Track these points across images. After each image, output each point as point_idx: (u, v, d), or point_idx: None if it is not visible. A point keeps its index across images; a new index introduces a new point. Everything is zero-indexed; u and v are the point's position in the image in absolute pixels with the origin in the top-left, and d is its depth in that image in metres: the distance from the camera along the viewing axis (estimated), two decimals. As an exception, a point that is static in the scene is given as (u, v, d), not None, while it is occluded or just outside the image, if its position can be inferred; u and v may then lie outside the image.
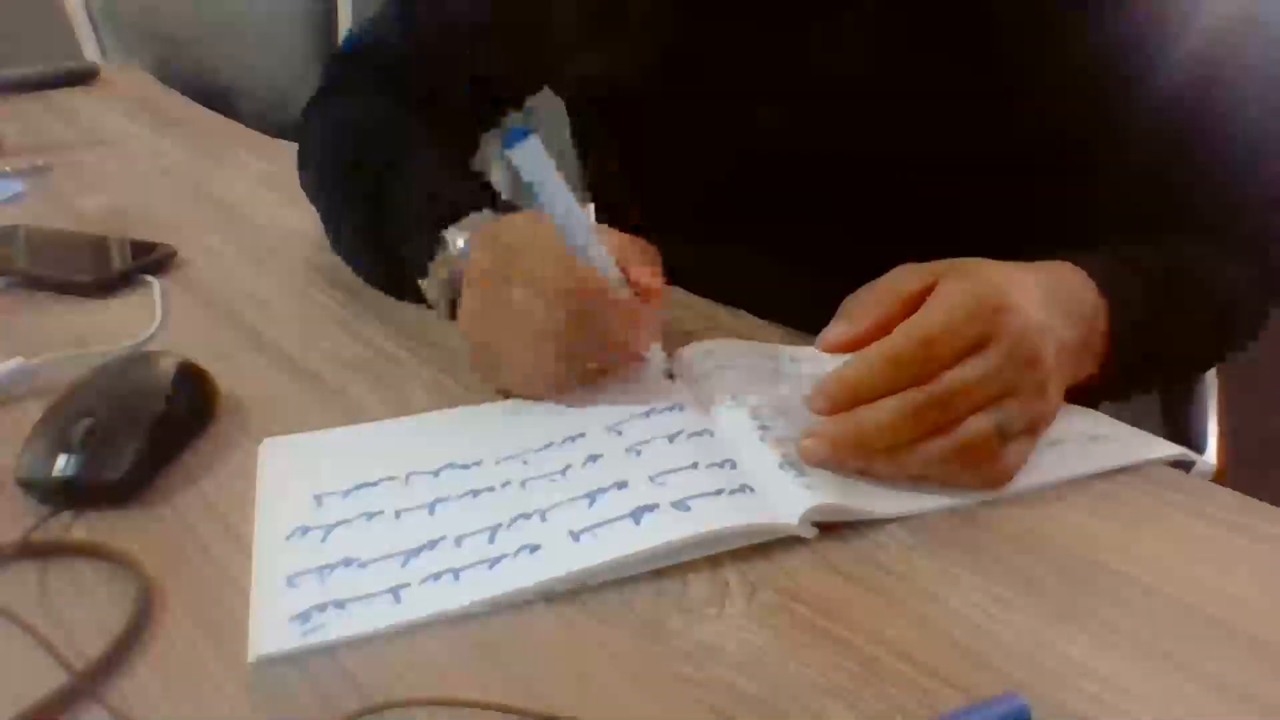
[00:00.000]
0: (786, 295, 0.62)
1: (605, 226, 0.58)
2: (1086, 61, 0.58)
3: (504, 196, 0.63)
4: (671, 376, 0.56)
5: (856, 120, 0.63)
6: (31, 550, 0.45)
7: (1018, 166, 0.62)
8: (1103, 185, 0.63)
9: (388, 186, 0.66)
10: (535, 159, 0.51)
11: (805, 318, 0.58)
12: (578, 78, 0.77)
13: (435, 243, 0.59)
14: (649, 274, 0.54)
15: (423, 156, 0.68)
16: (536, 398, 0.55)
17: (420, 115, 0.77)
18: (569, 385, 0.54)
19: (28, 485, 0.49)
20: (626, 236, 0.56)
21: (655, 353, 0.56)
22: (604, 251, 0.53)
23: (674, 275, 0.71)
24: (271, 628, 0.40)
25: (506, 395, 0.56)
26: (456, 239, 0.58)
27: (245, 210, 0.89)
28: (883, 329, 0.47)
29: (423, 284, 0.60)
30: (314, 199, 0.76)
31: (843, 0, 0.62)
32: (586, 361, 0.54)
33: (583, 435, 0.52)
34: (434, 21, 0.78)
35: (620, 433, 0.52)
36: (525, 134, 0.51)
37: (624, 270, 0.54)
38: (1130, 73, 0.58)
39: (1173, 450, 0.51)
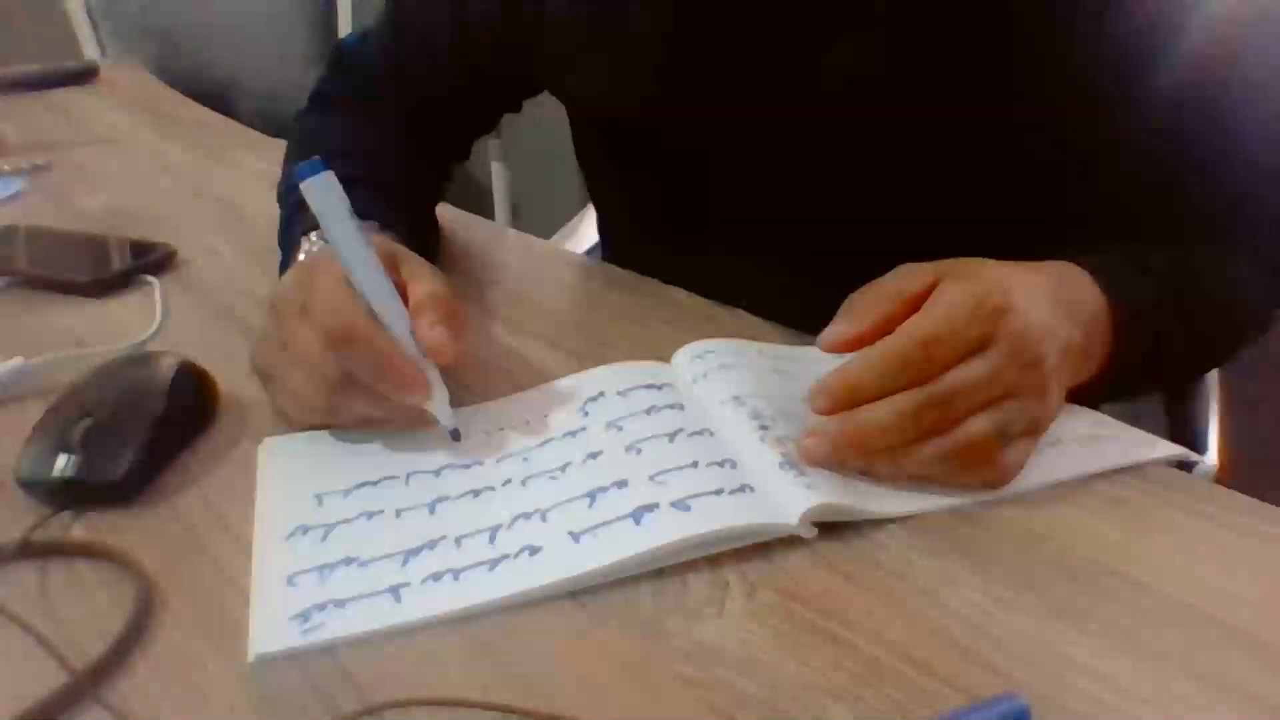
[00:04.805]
0: (787, 297, 0.62)
1: (427, 269, 0.55)
2: (1095, 71, 0.58)
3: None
4: (457, 438, 0.52)
5: (861, 134, 0.62)
6: (31, 550, 0.45)
7: (1023, 176, 0.62)
8: (1108, 192, 0.63)
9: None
10: (326, 196, 0.50)
11: (805, 318, 0.58)
12: (575, 94, 0.77)
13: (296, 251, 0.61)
14: (438, 332, 0.51)
15: (366, 184, 0.64)
16: (306, 428, 0.53)
17: (403, 128, 0.77)
18: (341, 421, 0.52)
19: (28, 485, 0.49)
20: (433, 288, 0.53)
21: (440, 410, 0.51)
22: (391, 299, 0.51)
23: (673, 277, 0.72)
24: (271, 627, 0.40)
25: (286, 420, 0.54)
26: (303, 251, 0.60)
27: (245, 210, 0.89)
28: (883, 329, 0.47)
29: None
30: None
31: (847, 19, 0.61)
32: (354, 404, 0.51)
33: (583, 430, 0.52)
34: (420, 41, 0.78)
35: (620, 429, 0.52)
36: (319, 168, 0.50)
37: (414, 324, 0.51)
38: (1137, 81, 0.58)
39: (1174, 450, 0.51)
